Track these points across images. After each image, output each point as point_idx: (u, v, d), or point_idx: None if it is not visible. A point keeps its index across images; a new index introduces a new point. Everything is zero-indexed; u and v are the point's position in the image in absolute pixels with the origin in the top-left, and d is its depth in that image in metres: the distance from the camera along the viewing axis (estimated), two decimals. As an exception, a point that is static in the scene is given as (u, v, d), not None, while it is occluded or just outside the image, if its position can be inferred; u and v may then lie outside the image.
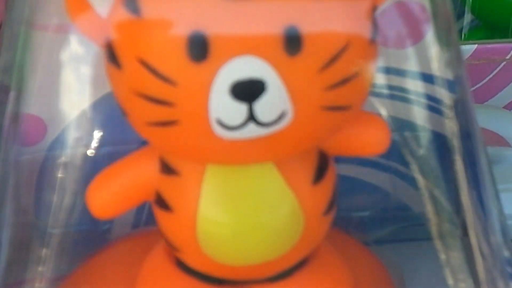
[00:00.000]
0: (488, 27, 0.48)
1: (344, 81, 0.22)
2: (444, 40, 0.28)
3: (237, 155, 0.23)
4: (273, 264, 0.26)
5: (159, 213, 0.26)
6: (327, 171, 0.26)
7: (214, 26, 0.21)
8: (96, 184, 0.26)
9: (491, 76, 0.39)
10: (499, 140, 0.36)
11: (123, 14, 0.22)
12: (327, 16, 0.22)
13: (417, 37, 0.28)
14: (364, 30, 0.23)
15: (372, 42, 0.23)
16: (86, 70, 0.26)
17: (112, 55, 0.22)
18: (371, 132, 0.26)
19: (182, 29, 0.21)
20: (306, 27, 0.21)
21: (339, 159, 0.27)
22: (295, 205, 0.25)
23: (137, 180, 0.26)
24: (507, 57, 0.38)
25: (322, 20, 0.22)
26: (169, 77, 0.21)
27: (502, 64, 0.39)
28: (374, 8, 0.23)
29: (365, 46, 0.23)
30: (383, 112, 0.28)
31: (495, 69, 0.39)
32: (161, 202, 0.25)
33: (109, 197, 0.26)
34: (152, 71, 0.21)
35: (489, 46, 0.38)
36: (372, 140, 0.26)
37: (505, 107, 0.40)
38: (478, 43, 0.38)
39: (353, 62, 0.22)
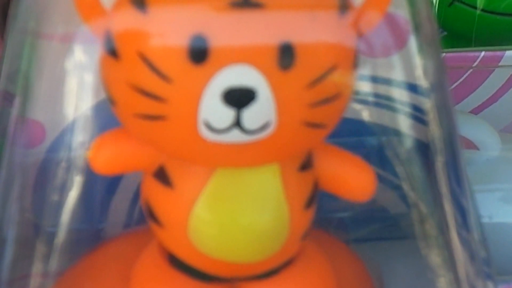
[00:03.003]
0: (452, 36, 0.49)
1: (327, 101, 0.23)
2: (426, 48, 0.29)
3: (217, 157, 0.24)
4: (259, 264, 0.27)
5: (155, 185, 0.26)
6: (315, 202, 0.27)
7: (216, 33, 0.22)
8: (104, 139, 0.26)
9: (458, 82, 0.40)
10: (467, 144, 0.37)
11: (129, 8, 0.22)
12: (320, 38, 0.23)
13: (400, 45, 0.29)
14: (350, 55, 0.24)
15: (355, 65, 0.24)
16: (85, 77, 0.26)
17: (111, 45, 0.23)
18: (358, 181, 0.27)
19: (186, 31, 0.22)
20: (301, 45, 0.22)
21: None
22: (286, 221, 0.26)
23: (145, 147, 0.26)
24: (474, 65, 0.39)
25: (315, 40, 0.23)
26: (166, 74, 0.22)
27: (469, 71, 0.40)
28: (360, 34, 0.24)
29: (349, 69, 0.24)
30: (366, 116, 0.29)
31: (462, 76, 0.40)
32: (164, 177, 0.26)
33: (114, 154, 0.26)
34: (150, 66, 0.22)
35: (456, 54, 0.39)
36: (358, 189, 0.27)
37: (471, 112, 0.41)
38: (447, 52, 0.39)
39: (337, 83, 0.23)
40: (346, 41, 0.23)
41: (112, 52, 0.23)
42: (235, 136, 0.23)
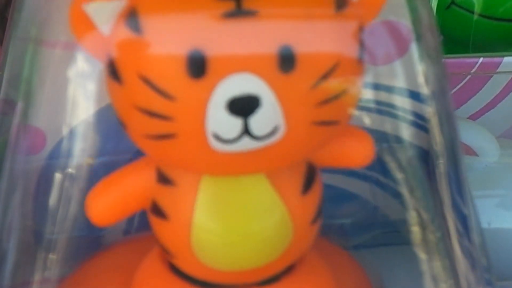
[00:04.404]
0: (449, 41, 0.48)
1: (334, 98, 0.23)
2: (427, 55, 0.29)
3: (231, 167, 0.24)
4: (263, 269, 0.27)
5: (154, 221, 0.27)
6: (315, 182, 0.27)
7: (213, 45, 0.22)
8: (95, 193, 0.26)
9: (456, 88, 0.40)
10: (466, 150, 0.37)
11: (125, 32, 0.23)
12: (319, 37, 0.23)
13: (401, 52, 0.29)
14: (352, 49, 0.24)
15: (360, 60, 0.24)
16: (87, 85, 0.26)
17: (113, 71, 0.23)
18: (356, 146, 0.27)
19: (181, 47, 0.22)
20: (300, 47, 0.22)
21: (323, 169, 0.27)
22: (285, 215, 0.26)
23: (135, 190, 0.26)
24: (472, 71, 0.39)
25: (314, 40, 0.23)
26: (168, 93, 0.22)
27: (468, 77, 0.40)
28: (361, 29, 0.24)
29: (353, 65, 0.24)
30: (367, 123, 0.29)
31: (461, 82, 0.40)
32: (157, 210, 0.26)
33: (108, 205, 0.26)
34: (152, 87, 0.22)
35: (455, 60, 0.39)
36: (357, 154, 0.27)
37: (469, 118, 0.41)
38: (445, 58, 0.39)
39: (343, 80, 0.23)
40: (345, 35, 0.23)
41: (115, 77, 0.23)
42: (246, 144, 0.23)
